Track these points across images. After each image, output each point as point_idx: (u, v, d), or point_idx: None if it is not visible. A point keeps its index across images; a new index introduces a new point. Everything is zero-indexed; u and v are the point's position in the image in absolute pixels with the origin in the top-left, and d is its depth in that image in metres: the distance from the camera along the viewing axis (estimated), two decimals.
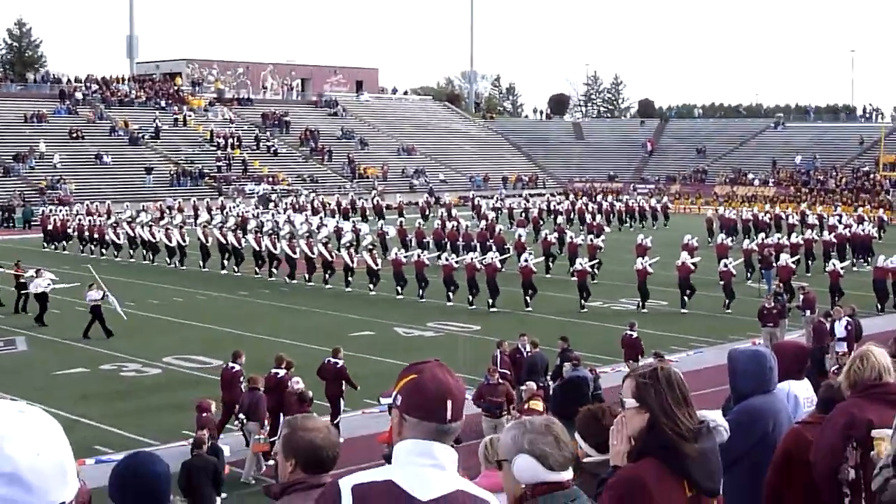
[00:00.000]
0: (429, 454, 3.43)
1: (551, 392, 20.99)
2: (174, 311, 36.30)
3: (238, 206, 69.81)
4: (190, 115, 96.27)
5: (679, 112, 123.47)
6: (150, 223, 54.92)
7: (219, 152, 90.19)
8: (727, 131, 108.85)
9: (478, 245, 46.89)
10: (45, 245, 57.14)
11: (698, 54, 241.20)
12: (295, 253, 43.93)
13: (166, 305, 37.52)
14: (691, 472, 4.11)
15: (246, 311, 36.76)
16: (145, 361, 28.75)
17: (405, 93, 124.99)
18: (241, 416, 19.93)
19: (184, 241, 49.20)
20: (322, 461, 4.36)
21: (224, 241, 47.34)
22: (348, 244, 44.44)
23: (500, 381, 20.71)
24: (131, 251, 51.75)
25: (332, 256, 42.85)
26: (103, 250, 52.89)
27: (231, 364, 21.81)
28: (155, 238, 50.68)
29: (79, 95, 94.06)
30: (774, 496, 6.10)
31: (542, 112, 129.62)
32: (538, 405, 18.16)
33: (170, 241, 49.47)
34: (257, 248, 45.74)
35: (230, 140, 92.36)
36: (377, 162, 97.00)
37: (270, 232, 49.71)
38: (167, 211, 67.06)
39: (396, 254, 41.48)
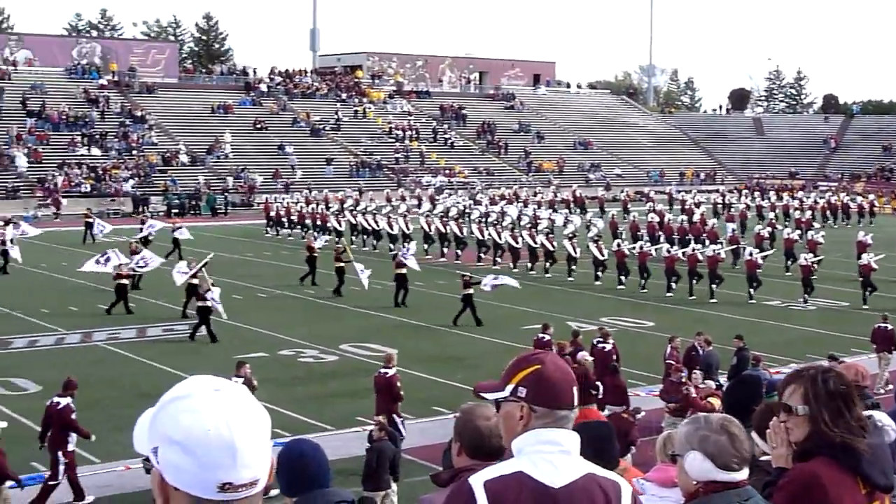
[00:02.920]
0: (555, 441, 3.46)
1: (724, 390, 20.65)
2: (352, 300, 36.90)
3: (449, 196, 72.32)
4: (369, 107, 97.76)
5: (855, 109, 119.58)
6: (374, 211, 57.00)
7: (397, 144, 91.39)
8: None
9: (692, 238, 46.99)
10: (267, 230, 59.59)
11: (887, 48, 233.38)
12: (517, 243, 45.35)
13: (344, 294, 38.15)
14: (865, 468, 4.01)
15: (424, 301, 37.05)
16: (323, 348, 29.34)
17: (578, 86, 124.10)
18: None
19: (408, 228, 50.84)
20: (485, 448, 4.41)
21: (444, 230, 49.61)
22: (571, 235, 45.08)
23: (684, 380, 20.39)
24: (353, 238, 53.17)
25: (553, 246, 44.16)
26: (325, 237, 54.38)
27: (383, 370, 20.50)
28: (378, 226, 52.52)
29: (263, 87, 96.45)
30: None
31: (721, 107, 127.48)
32: (716, 403, 17.90)
33: (392, 229, 51.47)
34: (481, 238, 47.38)
35: (408, 132, 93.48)
36: (553, 156, 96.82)
37: (495, 222, 51.48)
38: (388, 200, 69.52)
39: (620, 245, 42.77)
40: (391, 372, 19.96)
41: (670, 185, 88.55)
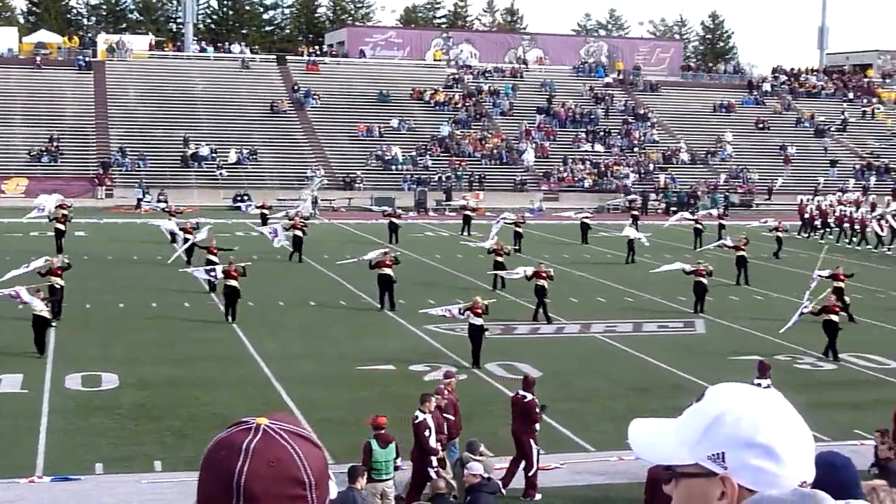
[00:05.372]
0: None
1: None
2: (862, 310, 35.15)
3: None
4: (878, 108, 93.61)
5: None
6: None
7: None
8: None
9: None
10: (799, 233, 58.39)
11: None
12: None
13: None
14: None
15: None
16: (820, 356, 28.47)
17: None
18: None
19: None
20: None
21: None
22: None
23: None
24: None
25: None
26: (864, 241, 53.99)
27: None
28: None
29: (766, 86, 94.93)
30: None
31: None
32: None
33: None
34: None
35: None
36: None
37: None
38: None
39: None
40: None
41: None
